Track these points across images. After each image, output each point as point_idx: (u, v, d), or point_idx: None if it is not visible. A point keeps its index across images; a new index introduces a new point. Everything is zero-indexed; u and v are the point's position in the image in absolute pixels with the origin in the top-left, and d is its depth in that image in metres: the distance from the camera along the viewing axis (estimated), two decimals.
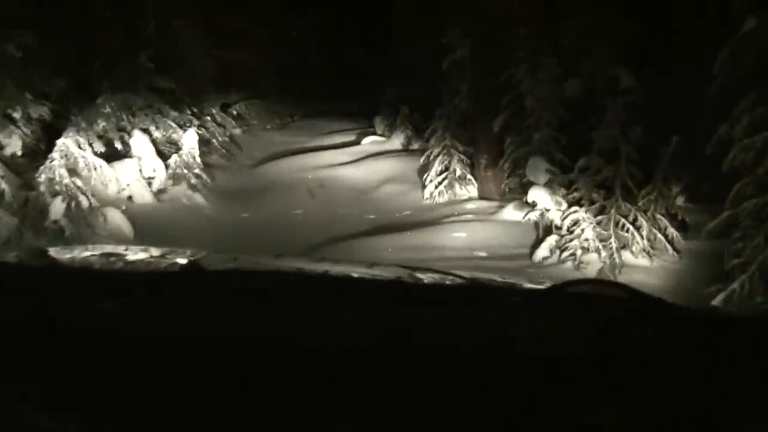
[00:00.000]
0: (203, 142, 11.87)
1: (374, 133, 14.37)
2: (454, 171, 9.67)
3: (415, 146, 12.82)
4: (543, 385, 1.08)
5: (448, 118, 9.95)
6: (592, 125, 7.51)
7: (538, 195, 7.14)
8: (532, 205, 7.27)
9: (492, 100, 9.49)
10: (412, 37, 14.23)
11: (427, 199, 9.60)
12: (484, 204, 8.97)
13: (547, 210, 7.03)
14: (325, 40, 18.61)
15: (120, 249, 2.31)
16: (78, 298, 1.37)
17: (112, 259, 2.01)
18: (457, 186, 9.69)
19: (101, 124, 8.63)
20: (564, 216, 6.76)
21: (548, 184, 7.14)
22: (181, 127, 10.41)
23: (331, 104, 17.73)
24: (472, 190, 9.72)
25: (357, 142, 13.77)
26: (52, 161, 7.37)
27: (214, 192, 10.03)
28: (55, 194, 7.21)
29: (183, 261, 1.93)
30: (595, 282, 1.65)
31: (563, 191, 7.03)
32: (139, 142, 9.05)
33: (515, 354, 1.19)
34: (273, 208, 9.59)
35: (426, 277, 1.83)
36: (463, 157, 9.76)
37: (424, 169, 10.08)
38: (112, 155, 9.03)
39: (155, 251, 2.08)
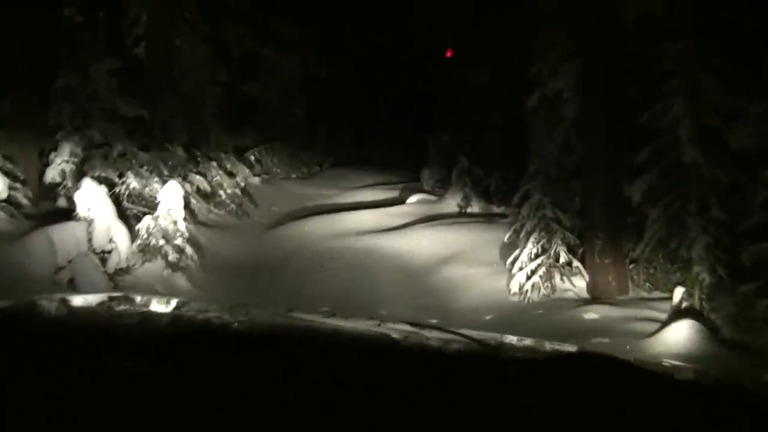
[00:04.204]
0: (205, 196, 9.20)
1: (422, 190, 11.80)
2: (556, 255, 6.54)
3: (476, 208, 10.07)
4: None
5: (546, 177, 6.85)
6: None
7: None
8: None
9: (613, 149, 6.51)
10: (470, 70, 11.56)
11: (514, 294, 6.50)
12: (610, 312, 5.79)
13: None
14: (362, 74, 15.80)
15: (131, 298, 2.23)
16: (89, 353, 1.31)
17: (122, 310, 1.90)
18: (557, 276, 6.57)
19: None
20: None
21: None
22: (162, 175, 7.40)
23: (368, 151, 15.53)
24: (579, 282, 6.63)
25: (401, 201, 11.09)
26: None
27: (207, 269, 7.07)
28: None
29: (192, 314, 1.96)
30: (592, 356, 1.60)
31: None
32: (89, 196, 5.94)
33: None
34: (287, 300, 6.47)
35: (432, 337, 1.79)
36: (569, 235, 6.63)
37: (510, 247, 6.98)
38: (49, 215, 6.04)
39: (171, 304, 2.08)
